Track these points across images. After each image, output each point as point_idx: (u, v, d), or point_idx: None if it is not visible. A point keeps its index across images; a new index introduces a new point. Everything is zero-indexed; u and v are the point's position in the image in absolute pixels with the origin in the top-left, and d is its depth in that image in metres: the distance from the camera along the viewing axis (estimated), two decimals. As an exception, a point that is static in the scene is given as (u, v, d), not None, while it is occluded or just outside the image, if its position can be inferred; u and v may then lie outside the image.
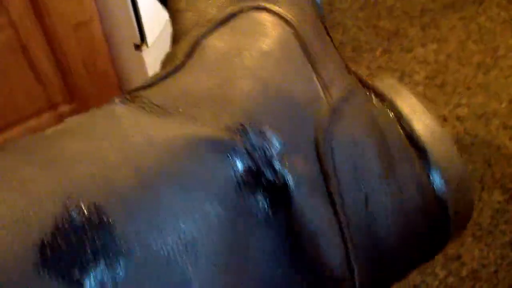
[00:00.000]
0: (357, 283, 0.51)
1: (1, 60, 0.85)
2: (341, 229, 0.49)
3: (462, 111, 1.25)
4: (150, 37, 0.95)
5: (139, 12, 0.90)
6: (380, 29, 1.46)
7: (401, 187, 0.53)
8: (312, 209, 0.48)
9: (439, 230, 0.55)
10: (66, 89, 0.97)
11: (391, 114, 0.56)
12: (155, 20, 0.96)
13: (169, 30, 1.08)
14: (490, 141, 1.19)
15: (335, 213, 0.49)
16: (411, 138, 0.54)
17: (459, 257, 0.95)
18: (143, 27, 0.92)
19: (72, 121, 0.49)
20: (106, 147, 0.44)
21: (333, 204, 0.49)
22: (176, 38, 0.64)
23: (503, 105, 1.26)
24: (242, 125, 0.48)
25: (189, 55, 0.56)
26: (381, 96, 0.58)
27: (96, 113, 0.49)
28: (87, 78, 0.97)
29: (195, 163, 0.45)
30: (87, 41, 0.93)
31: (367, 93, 0.58)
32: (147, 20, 0.92)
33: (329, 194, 0.50)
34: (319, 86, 0.55)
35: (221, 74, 0.53)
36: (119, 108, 0.50)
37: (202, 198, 0.44)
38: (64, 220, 0.37)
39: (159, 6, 0.97)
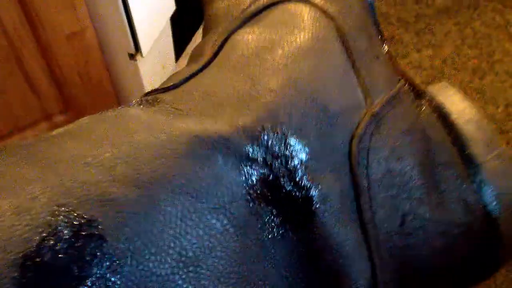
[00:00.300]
0: None
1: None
2: (369, 249, 0.45)
3: (459, 116, 1.25)
4: (144, 46, 0.95)
5: (132, 22, 0.90)
6: (375, 36, 1.46)
7: (444, 205, 0.47)
8: (338, 227, 0.43)
9: (486, 253, 0.49)
10: (61, 99, 0.97)
11: (440, 122, 0.50)
12: (150, 30, 0.96)
13: (164, 39, 1.09)
14: (486, 145, 1.18)
15: (364, 231, 0.45)
16: (461, 149, 0.49)
17: (457, 262, 0.95)
18: (137, 37, 0.92)
19: (80, 122, 0.45)
20: (108, 150, 0.39)
21: (362, 222, 0.45)
22: (206, 27, 0.58)
23: (500, 110, 1.26)
24: (262, 127, 0.43)
25: (217, 52, 0.52)
26: (430, 101, 0.52)
27: (108, 114, 0.46)
28: (81, 88, 0.97)
29: (201, 166, 0.40)
30: (81, 51, 0.93)
31: (416, 98, 0.52)
32: (141, 29, 0.92)
33: (359, 211, 0.45)
34: (358, 90, 0.49)
35: (248, 72, 0.48)
36: (134, 110, 0.45)
37: (208, 209, 0.39)
38: (51, 231, 0.33)
39: (153, 16, 0.97)
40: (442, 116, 0.51)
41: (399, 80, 0.53)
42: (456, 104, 0.52)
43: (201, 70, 0.51)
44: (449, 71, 1.36)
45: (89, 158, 0.39)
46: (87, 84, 0.97)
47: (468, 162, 0.49)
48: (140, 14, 0.91)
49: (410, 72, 1.36)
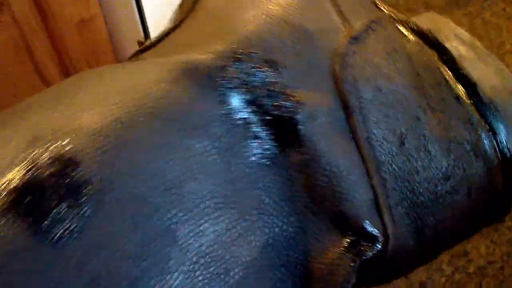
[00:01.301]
0: (390, 237, 0.43)
1: (5, 59, 0.85)
2: (367, 169, 0.43)
3: (468, 107, 1.24)
4: (154, 34, 0.95)
5: (142, 9, 0.90)
6: (384, 26, 1.45)
7: (444, 123, 0.46)
8: (329, 146, 0.43)
9: (501, 179, 0.47)
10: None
11: (428, 45, 0.49)
12: (159, 17, 0.96)
13: (173, 27, 1.07)
14: (496, 137, 1.18)
15: (360, 151, 0.44)
16: (455, 69, 0.48)
17: (466, 253, 0.95)
18: (146, 24, 0.92)
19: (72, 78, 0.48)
20: (81, 93, 0.42)
21: (357, 141, 0.44)
22: None
23: (509, 101, 1.25)
24: (237, 51, 0.44)
25: (192, 7, 0.54)
26: (416, 29, 0.51)
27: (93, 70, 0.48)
28: (91, 75, 0.97)
29: (172, 91, 0.41)
30: (90, 39, 0.93)
31: (400, 28, 0.51)
32: (151, 17, 0.92)
33: (352, 130, 0.44)
34: (335, 15, 0.50)
35: (220, 16, 0.50)
36: (116, 65, 0.48)
37: (185, 130, 0.39)
38: (28, 164, 0.35)
39: (163, 3, 0.96)
40: (430, 40, 0.50)
41: (379, 11, 0.53)
42: (445, 28, 0.51)
43: (176, 27, 0.53)
44: (459, 62, 1.35)
45: (78, 105, 0.41)
46: (96, 72, 0.97)
47: (464, 81, 0.47)
48: (149, 1, 0.90)
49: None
